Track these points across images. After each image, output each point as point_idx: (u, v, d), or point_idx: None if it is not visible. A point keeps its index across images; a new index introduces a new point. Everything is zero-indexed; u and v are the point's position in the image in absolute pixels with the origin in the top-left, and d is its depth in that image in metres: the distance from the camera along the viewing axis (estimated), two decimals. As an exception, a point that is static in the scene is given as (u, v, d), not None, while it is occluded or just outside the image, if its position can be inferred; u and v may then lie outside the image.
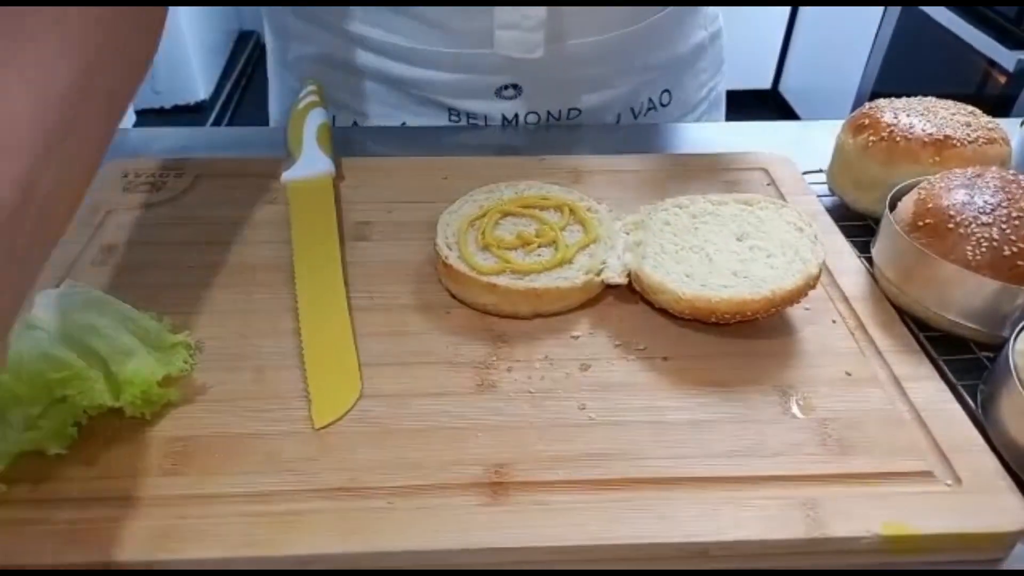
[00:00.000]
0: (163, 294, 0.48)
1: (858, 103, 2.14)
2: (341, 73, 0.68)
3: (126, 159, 0.60)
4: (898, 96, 0.59)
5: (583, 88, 0.68)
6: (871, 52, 2.09)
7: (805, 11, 2.51)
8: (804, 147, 0.65)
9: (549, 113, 0.69)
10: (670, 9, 0.68)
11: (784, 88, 2.66)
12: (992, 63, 1.65)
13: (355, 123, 0.70)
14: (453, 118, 0.69)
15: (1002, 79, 1.63)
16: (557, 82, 0.67)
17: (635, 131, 0.71)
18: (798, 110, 2.60)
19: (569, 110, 0.69)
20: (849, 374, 0.43)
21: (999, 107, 1.63)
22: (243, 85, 2.83)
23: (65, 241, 0.51)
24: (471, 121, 0.68)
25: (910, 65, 1.99)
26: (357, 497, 0.36)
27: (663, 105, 0.73)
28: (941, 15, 1.80)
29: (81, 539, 0.34)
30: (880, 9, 2.01)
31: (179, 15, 2.29)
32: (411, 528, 0.35)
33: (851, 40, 2.15)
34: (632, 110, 0.72)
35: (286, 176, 0.56)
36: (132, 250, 0.51)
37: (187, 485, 0.37)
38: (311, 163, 0.57)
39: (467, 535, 0.35)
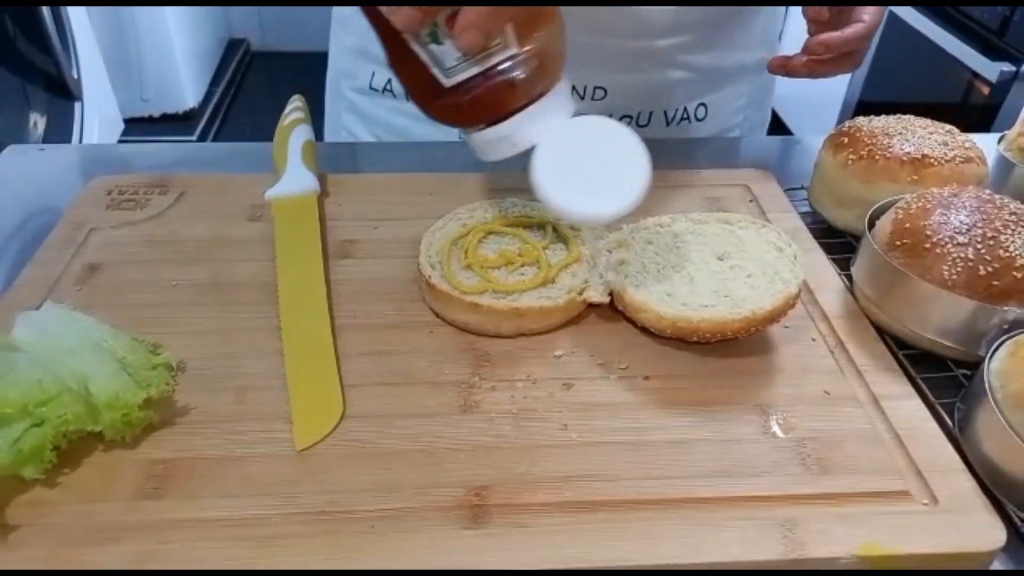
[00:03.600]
0: (145, 313, 0.48)
1: (844, 113, 2.17)
2: None
3: (111, 176, 0.60)
4: (885, 106, 0.60)
5: (608, 64, 0.67)
6: (857, 63, 2.11)
7: (792, 22, 2.52)
8: (791, 163, 0.65)
9: (574, 88, 0.67)
10: (708, 13, 0.67)
11: (772, 97, 2.68)
12: (975, 74, 1.67)
13: (389, 81, 0.71)
14: None
15: (985, 90, 1.65)
16: (581, 50, 0.65)
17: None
18: (787, 120, 2.62)
19: (595, 88, 0.68)
20: (828, 393, 0.44)
21: (983, 117, 1.64)
22: (233, 93, 2.82)
23: (47, 260, 0.51)
24: None
25: (896, 76, 2.01)
26: (338, 520, 0.36)
27: (698, 119, 0.73)
28: (925, 26, 1.82)
29: (59, 564, 0.34)
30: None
31: (167, 22, 2.28)
32: (392, 552, 0.35)
33: (838, 51, 2.17)
34: (666, 114, 0.71)
35: (270, 193, 0.56)
36: (114, 269, 0.51)
37: (168, 509, 0.36)
38: (295, 180, 0.57)
39: (447, 559, 0.35)
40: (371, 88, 0.72)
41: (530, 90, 0.40)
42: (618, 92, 0.68)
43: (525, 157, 0.42)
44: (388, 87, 0.71)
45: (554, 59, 0.41)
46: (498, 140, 0.41)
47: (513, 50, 0.39)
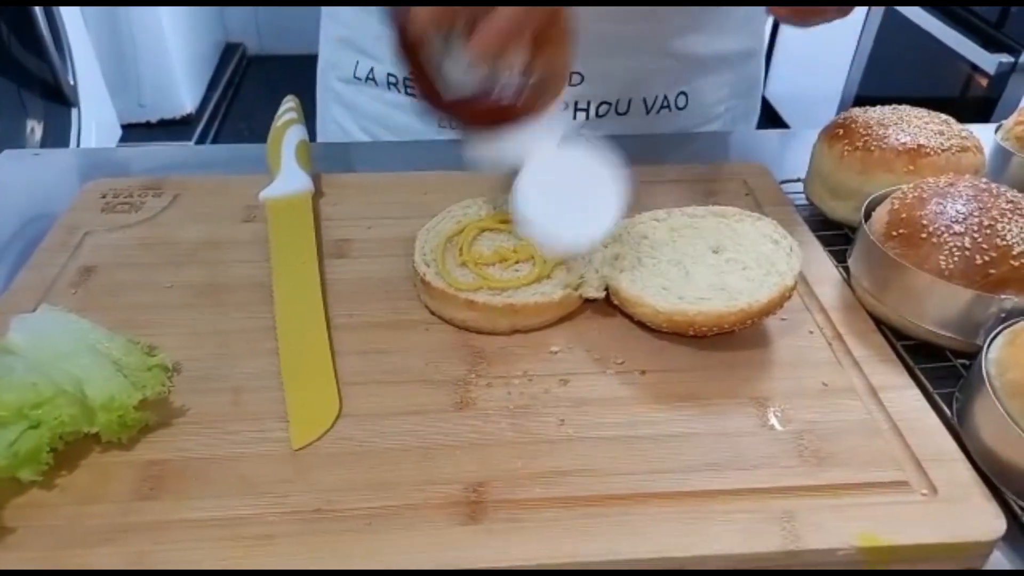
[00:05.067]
0: (140, 315, 0.47)
1: (842, 107, 2.16)
2: (367, 16, 0.70)
3: (106, 179, 0.60)
4: (883, 100, 0.59)
5: (586, 49, 0.65)
6: (854, 56, 2.10)
7: (789, 16, 2.52)
8: (787, 156, 0.65)
9: None
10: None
11: (769, 93, 2.67)
12: (974, 67, 1.66)
13: (372, 70, 0.72)
14: None
15: (983, 82, 1.65)
16: None
17: (613, 141, 0.71)
18: (784, 115, 2.62)
19: (572, 73, 0.67)
20: (826, 384, 0.44)
21: (981, 109, 1.64)
22: (230, 97, 2.82)
23: (42, 264, 0.51)
24: None
25: (894, 69, 2.01)
26: (334, 519, 0.36)
27: (679, 108, 0.72)
28: (923, 19, 1.81)
29: (56, 565, 0.34)
30: (862, 13, 2.03)
31: (163, 27, 2.28)
32: (389, 550, 0.35)
33: (835, 44, 2.17)
34: (645, 101, 0.71)
35: (264, 194, 0.56)
36: (109, 271, 0.51)
37: (163, 510, 0.36)
38: (290, 180, 0.57)
39: (444, 556, 0.34)
40: (355, 77, 0.73)
41: (526, 113, 0.42)
42: (596, 78, 0.68)
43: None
44: (371, 76, 0.72)
45: (555, 86, 0.42)
46: (488, 152, 0.43)
47: (518, 74, 0.40)
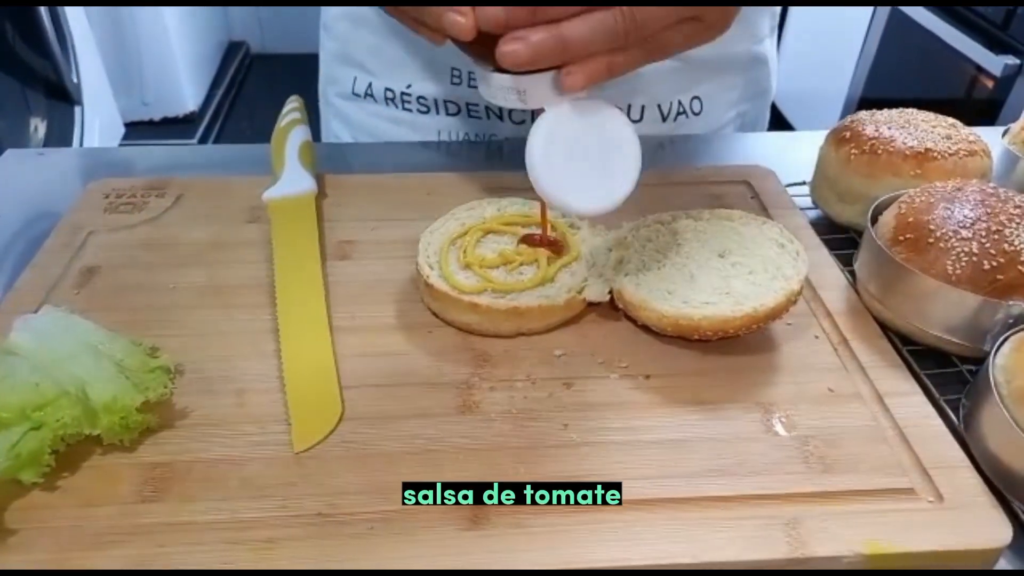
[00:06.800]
0: (143, 316, 0.47)
1: (847, 109, 2.16)
2: (360, 28, 0.70)
3: (109, 179, 0.60)
4: (887, 102, 0.59)
5: None
6: (859, 58, 2.10)
7: (793, 17, 2.52)
8: (791, 158, 0.65)
9: None
10: None
11: (774, 94, 2.67)
12: (979, 68, 1.66)
13: (370, 85, 0.71)
14: (455, 79, 0.68)
15: (989, 83, 1.64)
16: None
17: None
18: (789, 116, 2.61)
19: None
20: (832, 390, 0.43)
21: (987, 111, 1.64)
22: (233, 96, 2.82)
23: (45, 264, 0.51)
24: (471, 83, 0.68)
25: (899, 71, 2.00)
26: (337, 523, 0.36)
27: (695, 113, 0.72)
28: (928, 20, 1.81)
29: (57, 568, 0.34)
30: (867, 14, 2.02)
31: (167, 26, 2.28)
32: (391, 554, 0.35)
33: (840, 46, 2.16)
34: (660, 108, 0.70)
35: (267, 194, 0.55)
36: (112, 272, 0.51)
37: (166, 513, 0.36)
38: (293, 181, 0.57)
39: (446, 560, 0.34)
40: (353, 93, 0.73)
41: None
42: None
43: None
44: (369, 91, 0.71)
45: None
46: (510, 89, 0.40)
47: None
